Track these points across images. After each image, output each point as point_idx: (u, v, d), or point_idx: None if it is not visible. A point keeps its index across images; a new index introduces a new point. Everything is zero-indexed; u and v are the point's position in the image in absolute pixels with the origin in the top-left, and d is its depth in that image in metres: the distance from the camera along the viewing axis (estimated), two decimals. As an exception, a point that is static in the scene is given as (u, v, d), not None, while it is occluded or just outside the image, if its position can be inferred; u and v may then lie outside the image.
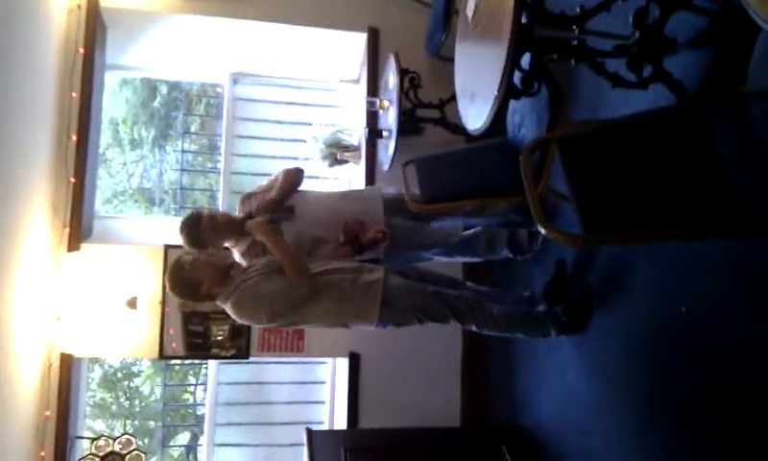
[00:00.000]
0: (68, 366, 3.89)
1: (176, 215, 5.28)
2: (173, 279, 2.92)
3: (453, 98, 2.75)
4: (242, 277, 2.91)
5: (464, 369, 4.36)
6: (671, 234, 1.93)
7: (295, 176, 3.39)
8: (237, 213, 3.34)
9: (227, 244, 3.25)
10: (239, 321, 3.00)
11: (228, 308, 2.89)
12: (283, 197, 3.29)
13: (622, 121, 2.14)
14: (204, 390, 4.81)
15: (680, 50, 2.28)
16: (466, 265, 4.15)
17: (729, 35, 2.16)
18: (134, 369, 7.79)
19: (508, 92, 2.16)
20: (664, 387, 2.47)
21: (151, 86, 7.12)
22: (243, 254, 3.19)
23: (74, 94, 4.02)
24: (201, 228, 3.11)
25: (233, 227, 3.18)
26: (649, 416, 2.55)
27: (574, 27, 2.28)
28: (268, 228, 3.00)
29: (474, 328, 3.03)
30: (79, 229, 3.96)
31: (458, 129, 3.97)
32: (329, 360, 4.63)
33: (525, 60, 2.29)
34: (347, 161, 4.57)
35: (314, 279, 2.86)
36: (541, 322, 3.03)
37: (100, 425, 7.33)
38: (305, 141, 4.55)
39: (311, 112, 4.94)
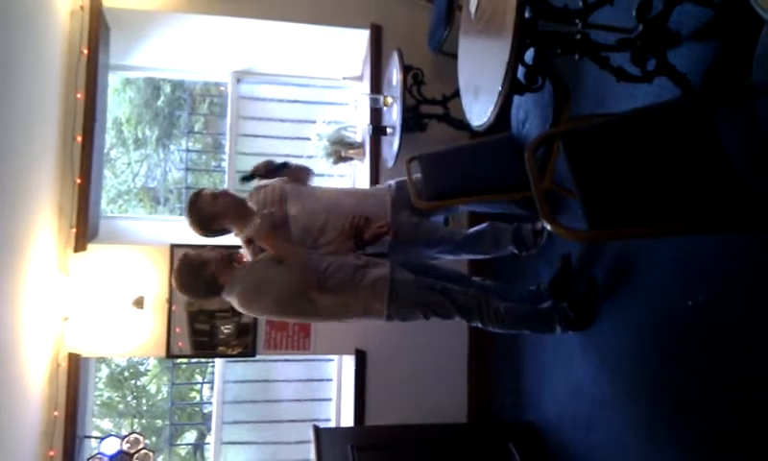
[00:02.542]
0: (76, 366, 3.90)
1: (181, 215, 5.29)
2: (179, 266, 2.92)
3: (457, 94, 2.75)
4: (246, 269, 2.94)
5: (470, 365, 4.36)
6: (676, 228, 1.93)
7: (304, 167, 3.49)
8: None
9: (232, 231, 3.25)
10: (245, 313, 3.00)
11: (234, 300, 2.90)
12: (286, 172, 3.37)
13: (626, 115, 2.13)
14: (211, 388, 4.83)
15: (684, 43, 2.27)
16: (471, 261, 4.15)
17: (733, 27, 2.15)
18: (141, 368, 7.82)
19: (512, 88, 2.16)
20: (671, 382, 2.47)
21: (154, 86, 7.14)
22: (246, 243, 3.20)
23: (78, 95, 4.03)
24: (199, 201, 3.13)
25: (235, 206, 3.18)
26: (656, 411, 2.55)
27: (577, 21, 2.27)
28: (268, 233, 3.02)
29: (480, 325, 3.03)
30: (85, 229, 3.97)
31: (462, 125, 3.97)
32: (336, 358, 4.64)
33: (529, 54, 2.29)
34: (351, 159, 4.56)
35: (317, 273, 2.88)
36: (547, 318, 3.03)
37: (107, 425, 7.38)
38: (309, 139, 4.55)
39: (315, 110, 4.95)
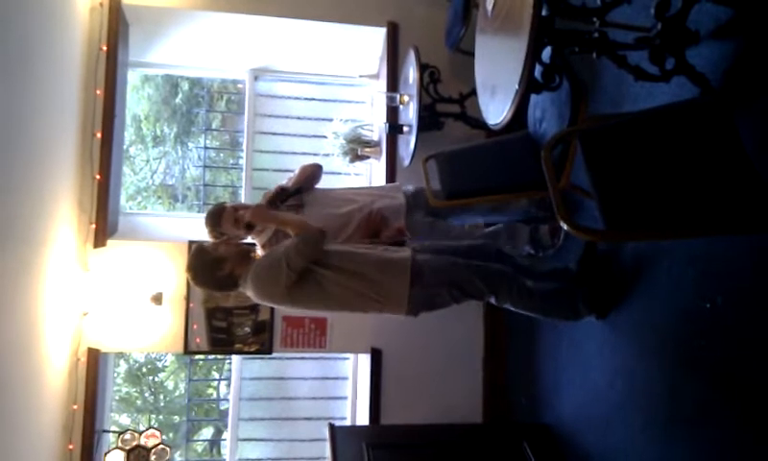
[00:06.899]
0: (95, 360, 3.94)
1: (199, 211, 5.33)
2: (194, 262, 2.90)
3: (473, 92, 2.74)
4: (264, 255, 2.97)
5: (485, 365, 4.34)
6: (695, 230, 1.91)
7: (311, 170, 3.46)
8: None
9: (249, 237, 3.28)
10: (258, 300, 2.91)
11: (249, 287, 2.84)
12: (294, 187, 3.36)
13: (645, 114, 2.11)
14: (228, 385, 4.86)
15: (702, 42, 2.25)
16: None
17: (752, 26, 2.13)
18: (159, 364, 7.89)
19: (529, 86, 2.14)
20: (688, 385, 2.45)
21: (172, 83, 7.19)
22: (264, 246, 3.22)
23: (98, 92, 4.07)
24: (223, 217, 3.16)
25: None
26: (672, 414, 2.53)
27: (595, 19, 2.26)
28: (264, 210, 3.09)
29: (509, 304, 2.92)
30: (105, 225, 4.01)
31: (478, 123, 3.95)
32: (351, 356, 4.64)
33: (546, 53, 2.27)
34: (367, 157, 4.56)
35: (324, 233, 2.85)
36: (573, 297, 2.97)
37: (125, 420, 7.45)
38: (326, 137, 4.56)
39: (332, 108, 4.95)
